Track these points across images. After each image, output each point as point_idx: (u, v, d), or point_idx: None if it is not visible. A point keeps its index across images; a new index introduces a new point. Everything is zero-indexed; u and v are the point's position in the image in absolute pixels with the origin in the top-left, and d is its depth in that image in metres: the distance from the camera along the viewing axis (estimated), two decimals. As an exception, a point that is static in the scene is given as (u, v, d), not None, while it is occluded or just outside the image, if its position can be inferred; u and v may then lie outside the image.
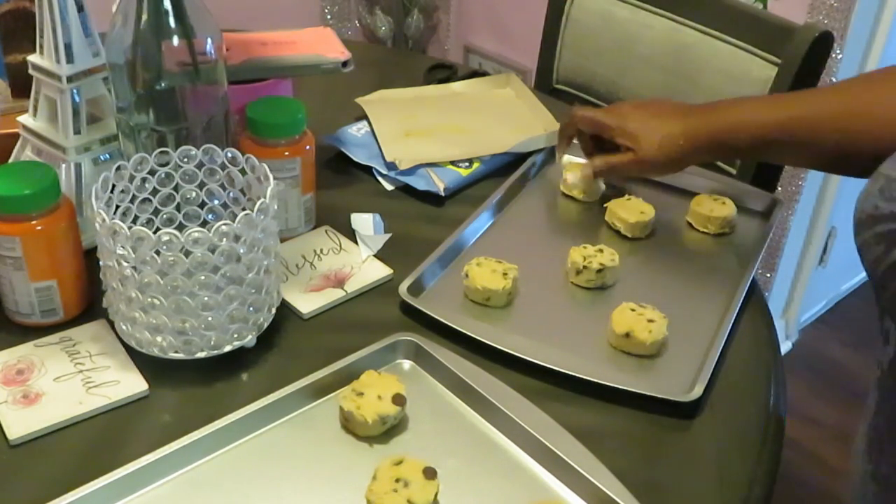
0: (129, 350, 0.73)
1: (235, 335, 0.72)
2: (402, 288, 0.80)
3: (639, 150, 0.90)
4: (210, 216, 0.80)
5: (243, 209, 0.73)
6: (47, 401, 0.69)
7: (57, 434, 0.67)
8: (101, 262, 0.71)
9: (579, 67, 1.37)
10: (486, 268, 0.82)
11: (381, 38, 2.28)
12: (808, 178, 1.81)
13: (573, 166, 0.98)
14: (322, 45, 0.98)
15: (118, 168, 0.73)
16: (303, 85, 1.05)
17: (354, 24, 2.32)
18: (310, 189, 0.89)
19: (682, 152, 0.88)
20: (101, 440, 0.67)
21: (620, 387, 0.72)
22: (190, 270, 0.67)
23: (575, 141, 0.99)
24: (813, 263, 2.03)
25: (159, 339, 0.70)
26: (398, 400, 0.68)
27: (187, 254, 0.67)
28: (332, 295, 0.82)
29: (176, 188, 0.78)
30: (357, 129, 1.08)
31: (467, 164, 1.01)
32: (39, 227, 0.72)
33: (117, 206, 0.74)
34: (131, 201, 0.76)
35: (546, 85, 1.42)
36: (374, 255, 0.87)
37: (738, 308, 0.81)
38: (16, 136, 0.85)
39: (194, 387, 0.72)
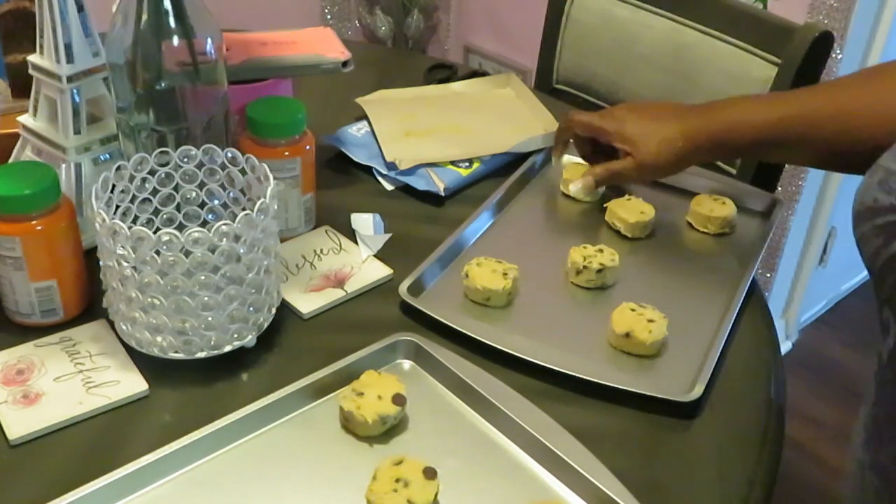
0: (129, 350, 0.73)
1: (235, 335, 0.72)
2: (402, 288, 0.80)
3: (637, 154, 0.90)
4: (210, 216, 0.80)
5: (243, 209, 0.73)
6: (47, 401, 0.69)
7: (57, 434, 0.67)
8: (101, 262, 0.71)
9: (579, 67, 1.37)
10: (486, 268, 0.82)
11: (381, 38, 2.28)
12: (808, 178, 1.82)
13: (573, 167, 0.98)
14: (322, 45, 0.98)
15: (118, 168, 0.73)
16: (303, 85, 1.05)
17: (354, 24, 2.32)
18: (310, 189, 0.89)
19: (682, 154, 0.88)
20: (101, 440, 0.67)
21: (620, 387, 0.72)
22: (190, 270, 0.67)
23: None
24: (813, 263, 2.03)
25: (159, 339, 0.70)
26: (398, 400, 0.68)
27: (187, 254, 0.67)
28: (332, 295, 0.82)
29: (176, 188, 0.78)
30: (357, 129, 1.08)
31: (467, 164, 1.01)
32: (39, 227, 0.72)
33: (117, 206, 0.74)
34: (131, 201, 0.76)
35: (546, 85, 1.42)
36: (374, 255, 0.87)
37: (738, 308, 0.81)
38: (16, 136, 0.85)
39: (194, 387, 0.72)
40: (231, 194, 0.78)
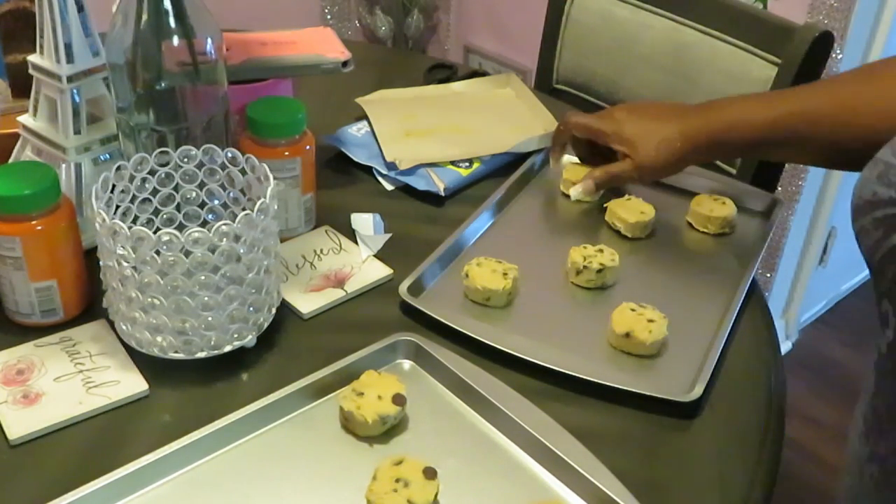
0: (129, 350, 0.73)
1: (235, 335, 0.72)
2: (402, 288, 0.80)
3: (636, 155, 0.90)
4: (210, 216, 0.80)
5: (243, 209, 0.73)
6: (47, 401, 0.69)
7: (57, 434, 0.67)
8: (101, 262, 0.71)
9: (579, 67, 1.37)
10: (486, 268, 0.82)
11: (381, 38, 2.28)
12: (808, 178, 1.82)
13: (573, 168, 0.98)
14: (322, 45, 0.98)
15: (118, 168, 0.73)
16: (303, 85, 1.05)
17: (354, 24, 2.32)
18: (310, 189, 0.89)
19: (681, 154, 0.88)
20: (101, 440, 0.67)
21: (620, 387, 0.72)
22: (190, 270, 0.67)
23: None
24: (813, 263, 2.03)
25: (159, 339, 0.70)
26: (398, 400, 0.68)
27: (187, 254, 0.67)
28: (332, 295, 0.82)
29: (176, 188, 0.78)
30: (357, 129, 1.08)
31: (467, 164, 1.01)
32: (39, 227, 0.72)
33: (117, 206, 0.74)
34: (131, 201, 0.76)
35: (546, 85, 1.42)
36: (374, 255, 0.87)
37: (738, 308, 0.81)
38: (16, 136, 0.85)
39: (194, 387, 0.72)
40: (231, 194, 0.78)
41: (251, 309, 0.72)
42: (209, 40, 0.77)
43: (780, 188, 1.63)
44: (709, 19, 1.22)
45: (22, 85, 0.87)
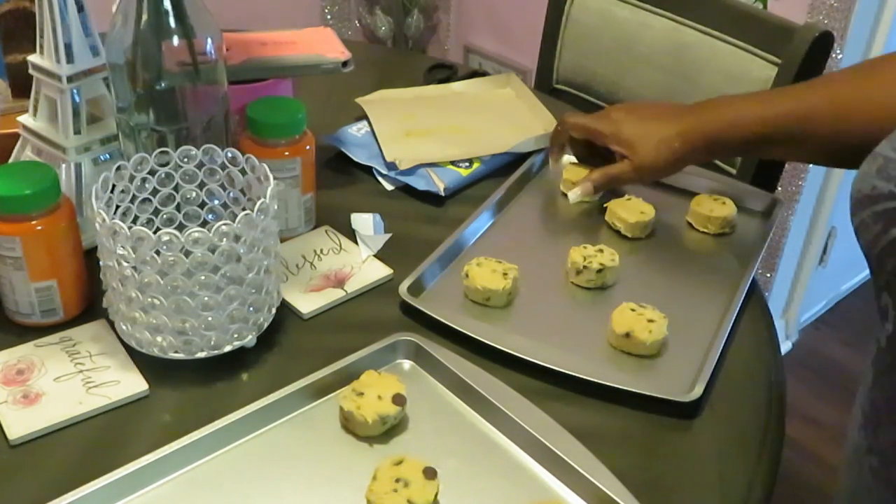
0: (129, 350, 0.73)
1: (235, 335, 0.72)
2: (402, 288, 0.80)
3: (634, 156, 0.90)
4: (210, 216, 0.80)
5: (243, 209, 0.73)
6: (47, 401, 0.69)
7: (57, 434, 0.67)
8: (101, 262, 0.71)
9: (579, 67, 1.37)
10: (486, 268, 0.82)
11: (381, 38, 2.28)
12: (808, 177, 1.82)
13: (573, 168, 0.98)
14: (322, 45, 0.98)
15: (118, 168, 0.73)
16: (303, 85, 1.05)
17: (354, 24, 2.32)
18: (310, 189, 0.89)
19: (679, 155, 0.88)
20: (101, 440, 0.67)
21: (620, 387, 0.72)
22: (190, 270, 0.67)
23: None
24: (813, 263, 2.03)
25: (159, 339, 0.70)
26: (398, 400, 0.68)
27: (187, 254, 0.67)
28: (332, 295, 0.82)
29: (176, 188, 0.78)
30: (357, 129, 1.08)
31: (467, 164, 1.01)
32: (39, 227, 0.72)
33: (117, 206, 0.74)
34: (131, 201, 0.76)
35: (546, 85, 1.42)
36: (374, 255, 0.87)
37: (738, 308, 0.81)
38: (16, 136, 0.85)
39: (194, 387, 0.72)
40: (231, 194, 0.78)
41: (251, 309, 0.72)
42: (209, 40, 0.77)
43: (780, 188, 1.63)
44: (709, 19, 1.22)
45: (22, 85, 0.87)
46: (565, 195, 0.98)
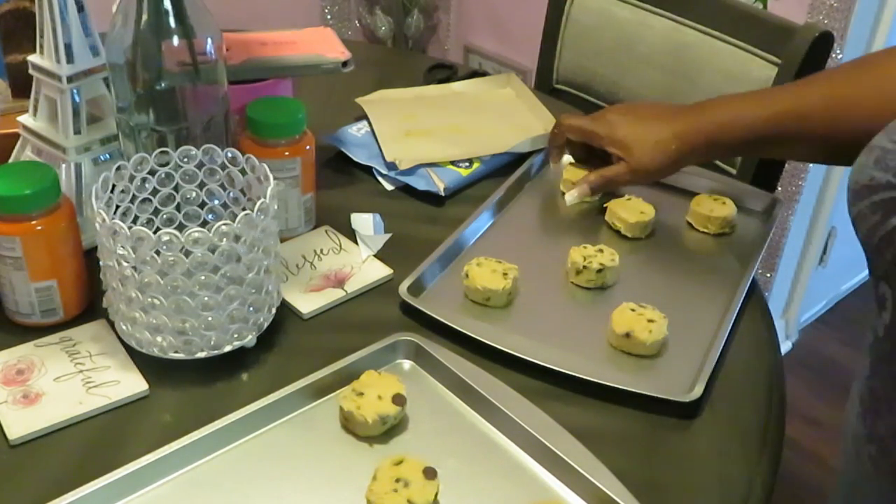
0: (129, 350, 0.73)
1: (235, 335, 0.72)
2: (402, 288, 0.80)
3: (631, 158, 0.90)
4: (210, 216, 0.80)
5: (243, 209, 0.73)
6: (47, 401, 0.69)
7: (57, 434, 0.67)
8: (101, 262, 0.71)
9: (579, 67, 1.37)
10: (486, 268, 0.82)
11: (381, 38, 2.28)
12: (808, 177, 1.82)
13: (573, 168, 0.98)
14: (322, 45, 0.98)
15: (118, 168, 0.73)
16: (303, 85, 1.05)
17: (354, 24, 2.32)
18: (310, 189, 0.89)
19: (676, 156, 0.88)
20: (101, 440, 0.67)
21: (620, 387, 0.72)
22: (190, 270, 0.67)
23: None
24: (813, 263, 2.03)
25: (159, 339, 0.70)
26: (398, 400, 0.68)
27: (187, 254, 0.67)
28: (332, 295, 0.82)
29: (176, 188, 0.78)
30: (357, 129, 1.08)
31: (467, 164, 1.01)
32: (39, 227, 0.72)
33: (117, 206, 0.74)
34: (131, 201, 0.76)
35: (546, 85, 1.42)
36: (374, 255, 0.87)
37: (738, 308, 0.81)
38: (16, 136, 0.85)
39: (194, 387, 0.72)
40: (231, 194, 0.78)
41: (251, 309, 0.72)
42: (209, 40, 0.77)
43: (780, 188, 1.63)
44: (709, 19, 1.22)
45: (22, 85, 0.87)
46: (565, 195, 0.98)
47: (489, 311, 0.81)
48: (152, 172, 0.76)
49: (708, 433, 0.71)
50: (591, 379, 0.72)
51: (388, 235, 0.90)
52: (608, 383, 0.72)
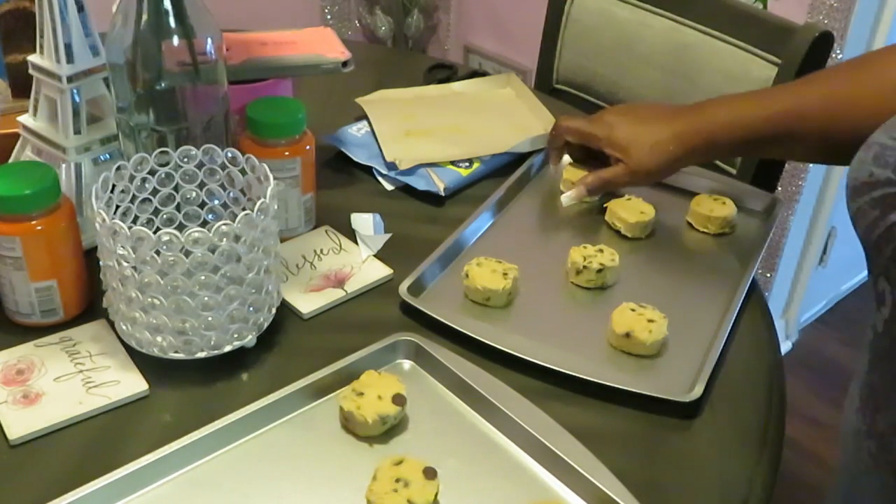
0: (129, 350, 0.73)
1: (235, 335, 0.72)
2: (402, 288, 0.80)
3: (629, 160, 0.90)
4: (210, 216, 0.80)
5: (243, 209, 0.73)
6: (47, 401, 0.69)
7: (57, 434, 0.67)
8: (101, 262, 0.71)
9: (579, 67, 1.37)
10: (486, 268, 0.82)
11: (381, 38, 2.28)
12: (808, 177, 1.82)
13: (573, 168, 0.98)
14: (322, 45, 0.98)
15: (118, 168, 0.73)
16: (303, 85, 1.05)
17: (354, 24, 2.32)
18: (310, 189, 0.89)
19: (674, 157, 0.88)
20: (101, 440, 0.67)
21: (620, 387, 0.72)
22: (190, 270, 0.67)
23: None
24: (813, 263, 2.03)
25: (159, 339, 0.70)
26: (398, 400, 0.68)
27: (187, 254, 0.67)
28: (332, 295, 0.82)
29: (176, 188, 0.78)
30: (357, 129, 1.08)
31: (467, 164, 1.01)
32: (39, 227, 0.72)
33: (117, 206, 0.74)
34: (131, 201, 0.76)
35: (546, 85, 1.42)
36: (374, 255, 0.87)
37: (738, 308, 0.81)
38: (16, 136, 0.85)
39: (194, 387, 0.72)
40: (231, 194, 0.78)
41: (251, 309, 0.72)
42: (209, 40, 0.77)
43: (780, 188, 1.63)
44: (709, 19, 1.22)
45: (22, 85, 0.87)
46: (561, 196, 0.98)
47: (489, 311, 0.81)
48: (152, 172, 0.76)
49: (708, 433, 0.71)
50: (591, 379, 0.72)
51: (388, 235, 0.90)
52: (608, 383, 0.72)
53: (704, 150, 0.88)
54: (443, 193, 0.97)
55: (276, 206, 0.72)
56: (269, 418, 0.68)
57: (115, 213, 0.73)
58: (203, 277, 0.68)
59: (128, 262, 0.67)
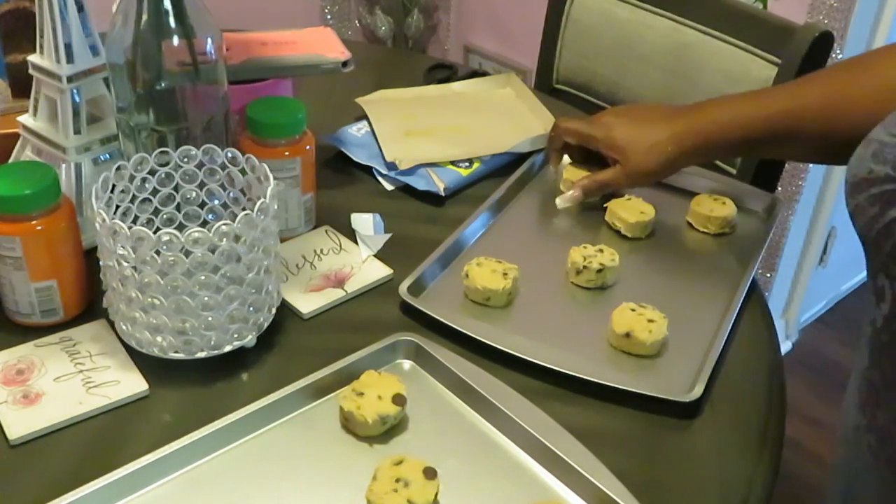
0: (130, 350, 0.73)
1: (235, 335, 0.72)
2: (402, 288, 0.80)
3: (627, 162, 0.90)
4: (210, 216, 0.80)
5: (243, 209, 0.73)
6: (47, 401, 0.69)
7: (57, 434, 0.67)
8: (101, 262, 0.71)
9: (579, 67, 1.37)
10: (486, 268, 0.82)
11: (381, 38, 2.28)
12: (808, 178, 1.82)
13: (573, 168, 0.98)
14: (322, 45, 0.98)
15: (118, 168, 0.73)
16: (303, 85, 1.05)
17: (354, 24, 2.32)
18: (310, 189, 0.89)
19: (672, 158, 0.88)
20: (101, 440, 0.67)
21: (620, 387, 0.72)
22: (190, 270, 0.67)
23: None
24: (813, 263, 2.03)
25: (159, 339, 0.70)
26: (398, 400, 0.68)
27: (187, 254, 0.67)
28: (332, 295, 0.82)
29: (176, 188, 0.78)
30: (357, 129, 1.08)
31: (467, 164, 1.01)
32: (39, 227, 0.72)
33: (117, 206, 0.74)
34: (131, 201, 0.76)
35: (546, 85, 1.42)
36: (374, 255, 0.87)
37: (738, 308, 0.81)
38: (16, 136, 0.85)
39: (194, 387, 0.72)
40: (231, 194, 0.78)
41: (251, 309, 0.72)
42: (209, 40, 0.77)
43: (780, 188, 1.63)
44: (709, 19, 1.22)
45: (22, 85, 0.87)
46: (556, 198, 0.98)
47: (489, 311, 0.81)
48: (152, 172, 0.76)
49: (708, 433, 0.71)
50: (591, 379, 0.72)
51: (388, 235, 0.90)
52: (608, 383, 0.72)
53: (703, 151, 0.88)
54: (443, 193, 0.97)
55: (276, 206, 0.72)
56: (269, 418, 0.68)
57: (115, 213, 0.73)
58: (203, 277, 0.68)
59: (128, 262, 0.67)
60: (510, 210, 0.96)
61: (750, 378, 0.77)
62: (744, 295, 0.83)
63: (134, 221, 0.77)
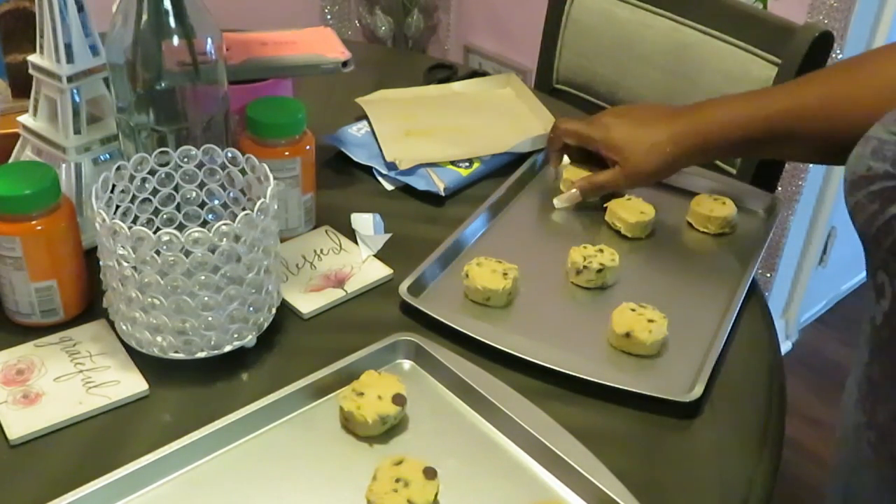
0: (130, 350, 0.73)
1: (235, 335, 0.72)
2: (402, 288, 0.80)
3: (626, 163, 0.90)
4: (210, 216, 0.80)
5: (243, 209, 0.73)
6: (47, 401, 0.69)
7: (57, 434, 0.67)
8: (101, 262, 0.71)
9: (579, 67, 1.37)
10: (486, 268, 0.82)
11: (381, 38, 2.28)
12: (808, 178, 1.82)
13: (573, 168, 0.98)
14: (322, 45, 0.98)
15: (118, 168, 0.73)
16: (303, 85, 1.05)
17: (354, 24, 2.32)
18: (310, 189, 0.89)
19: (671, 158, 0.88)
20: (101, 440, 0.67)
21: (620, 387, 0.72)
22: (190, 270, 0.67)
23: None
24: (813, 263, 2.03)
25: (159, 339, 0.70)
26: (398, 400, 0.68)
27: (187, 254, 0.67)
28: (332, 295, 0.82)
29: (176, 188, 0.78)
30: (357, 129, 1.08)
31: (467, 164, 1.01)
32: (39, 227, 0.72)
33: (117, 206, 0.74)
34: (131, 201, 0.76)
35: (546, 85, 1.42)
36: (374, 255, 0.87)
37: (738, 308, 0.81)
38: (16, 136, 0.85)
39: (194, 387, 0.72)
40: (231, 194, 0.78)
41: (251, 309, 0.72)
42: (209, 40, 0.77)
43: (780, 188, 1.63)
44: (709, 19, 1.22)
45: (22, 85, 0.87)
46: (554, 199, 0.98)
47: (489, 311, 0.81)
48: (152, 172, 0.76)
49: (708, 433, 0.71)
50: (591, 379, 0.72)
51: (388, 235, 0.90)
52: (608, 383, 0.72)
53: (702, 151, 0.88)
54: (443, 193, 0.97)
55: (276, 206, 0.72)
56: (269, 418, 0.68)
57: (115, 213, 0.73)
58: (203, 277, 0.68)
59: (128, 262, 0.67)
60: (510, 210, 0.96)
61: (750, 378, 0.77)
62: (744, 295, 0.83)
63: (134, 221, 0.77)
